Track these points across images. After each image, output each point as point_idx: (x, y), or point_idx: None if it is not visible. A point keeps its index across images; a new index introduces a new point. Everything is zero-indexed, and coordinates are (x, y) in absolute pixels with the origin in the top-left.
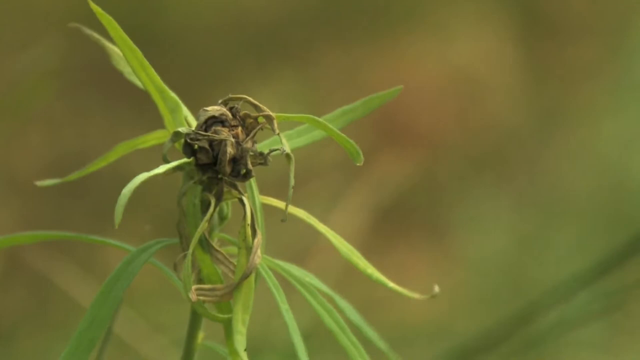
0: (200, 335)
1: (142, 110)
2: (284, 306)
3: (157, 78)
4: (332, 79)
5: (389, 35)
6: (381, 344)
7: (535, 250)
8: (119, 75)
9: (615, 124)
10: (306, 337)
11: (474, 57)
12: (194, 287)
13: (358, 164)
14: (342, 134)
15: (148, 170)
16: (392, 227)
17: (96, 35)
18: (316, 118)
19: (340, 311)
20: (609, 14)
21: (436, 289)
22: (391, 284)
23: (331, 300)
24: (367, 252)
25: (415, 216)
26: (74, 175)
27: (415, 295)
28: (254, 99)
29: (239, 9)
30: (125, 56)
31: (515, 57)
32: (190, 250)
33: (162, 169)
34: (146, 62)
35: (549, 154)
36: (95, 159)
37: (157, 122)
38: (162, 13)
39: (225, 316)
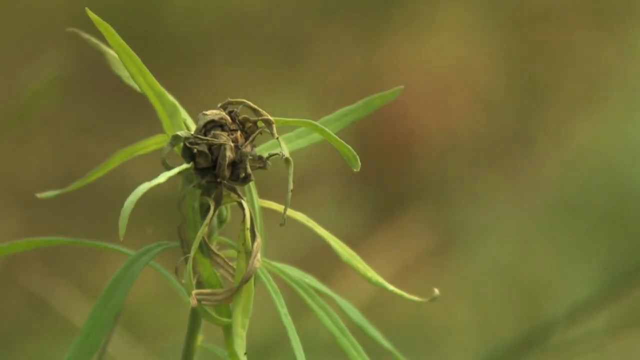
0: (200, 338)
1: (146, 113)
2: (283, 310)
3: (156, 83)
4: (333, 81)
5: (387, 34)
6: (385, 344)
7: (540, 252)
8: (122, 79)
9: (620, 125)
10: (308, 340)
11: (469, 53)
12: (194, 291)
13: (355, 170)
14: (340, 139)
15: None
16: (395, 229)
17: (94, 40)
18: (314, 122)
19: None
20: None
21: (436, 291)
22: (391, 287)
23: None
24: (371, 255)
25: (419, 218)
26: (74, 185)
27: (416, 298)
28: (253, 102)
29: (237, 11)
30: (123, 62)
31: (516, 56)
32: (192, 255)
33: (163, 177)
34: (144, 68)
35: (552, 155)
36: (99, 165)
37: (161, 124)
38: (161, 16)
39: (227, 319)
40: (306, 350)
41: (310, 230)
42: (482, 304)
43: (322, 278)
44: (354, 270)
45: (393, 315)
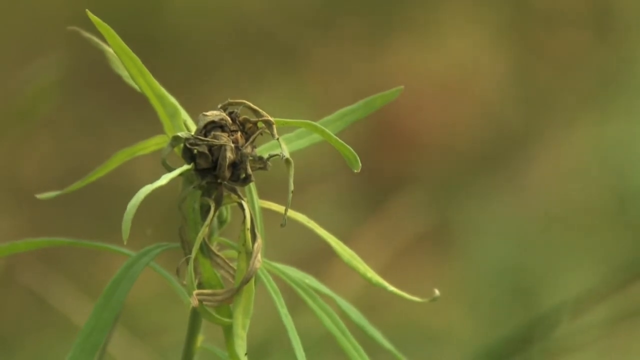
0: (200, 339)
1: (146, 113)
2: (283, 310)
3: (157, 84)
4: (333, 81)
5: (389, 38)
6: (386, 344)
7: (539, 252)
8: (122, 78)
9: (621, 126)
10: (310, 340)
11: (471, 56)
12: (195, 291)
13: (355, 171)
14: (340, 140)
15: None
16: (395, 229)
17: (95, 39)
18: (314, 123)
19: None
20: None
21: (436, 292)
22: (391, 288)
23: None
24: (371, 255)
25: (418, 218)
26: (74, 186)
27: (416, 299)
28: (253, 103)
29: (238, 12)
30: (124, 64)
31: (518, 59)
32: (193, 256)
33: (165, 179)
34: (145, 69)
35: (553, 155)
36: (99, 165)
37: (161, 125)
38: (161, 16)
39: (228, 319)
40: (306, 349)
41: (310, 231)
42: (481, 303)
43: (322, 278)
44: (354, 270)
45: (393, 315)
